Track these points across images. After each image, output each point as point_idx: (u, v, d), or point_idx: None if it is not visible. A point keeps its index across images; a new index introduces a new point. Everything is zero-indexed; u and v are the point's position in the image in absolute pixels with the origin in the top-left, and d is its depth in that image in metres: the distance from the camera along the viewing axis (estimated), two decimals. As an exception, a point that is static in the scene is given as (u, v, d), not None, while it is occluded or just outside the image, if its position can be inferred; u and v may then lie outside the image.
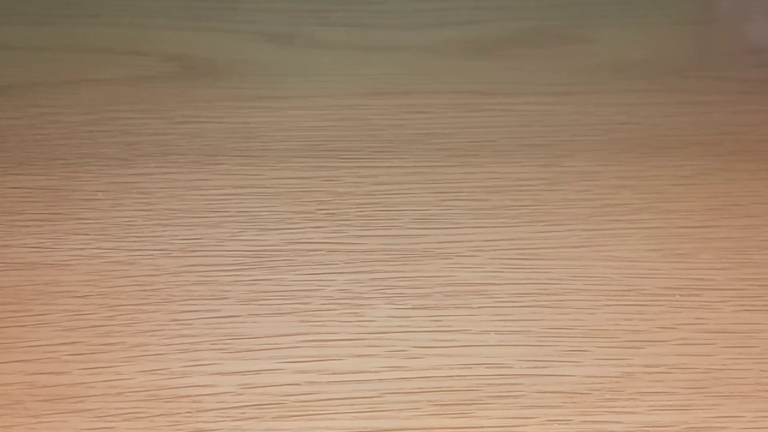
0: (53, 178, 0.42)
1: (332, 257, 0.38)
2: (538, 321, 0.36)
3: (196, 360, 0.34)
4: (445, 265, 0.38)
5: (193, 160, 0.44)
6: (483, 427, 0.32)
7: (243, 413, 0.32)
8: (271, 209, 0.41)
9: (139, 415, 0.32)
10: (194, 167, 0.43)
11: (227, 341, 0.34)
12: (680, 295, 0.37)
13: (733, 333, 0.35)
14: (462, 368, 0.34)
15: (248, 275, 0.37)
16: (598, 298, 0.37)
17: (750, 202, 0.40)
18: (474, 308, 0.36)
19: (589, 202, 0.40)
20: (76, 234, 0.39)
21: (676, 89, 0.46)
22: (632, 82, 0.47)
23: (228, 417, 0.32)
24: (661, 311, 0.36)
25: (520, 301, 0.36)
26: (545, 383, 0.33)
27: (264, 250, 0.38)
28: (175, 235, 0.39)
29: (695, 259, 0.39)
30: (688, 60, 0.49)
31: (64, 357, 0.34)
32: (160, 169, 0.43)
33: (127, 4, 0.56)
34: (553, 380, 0.33)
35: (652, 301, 0.37)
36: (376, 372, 0.33)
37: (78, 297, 0.36)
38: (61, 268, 0.37)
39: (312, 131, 0.46)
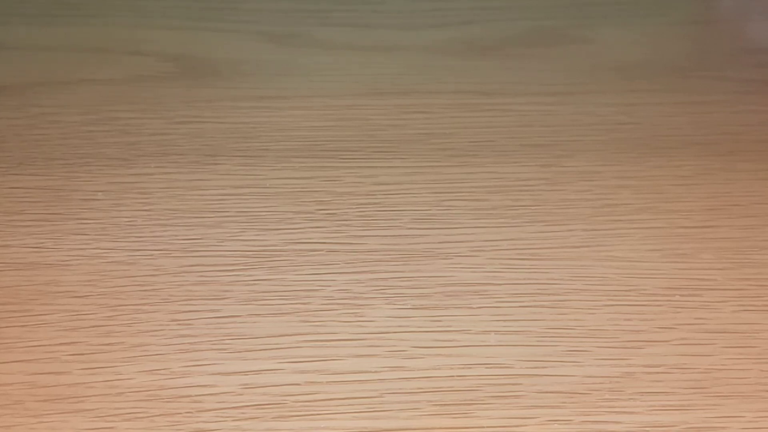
0: (53, 178, 0.42)
1: (332, 257, 0.38)
2: (538, 321, 0.36)
3: (196, 360, 0.34)
4: (445, 265, 0.38)
5: (193, 160, 0.44)
6: (483, 427, 0.32)
7: (243, 413, 0.32)
8: (271, 209, 0.41)
9: (139, 415, 0.32)
10: (194, 167, 0.43)
11: (227, 341, 0.34)
12: (680, 295, 0.37)
13: (733, 333, 0.35)
14: (462, 368, 0.34)
15: (248, 275, 0.37)
16: (598, 298, 0.37)
17: (750, 202, 0.40)
18: (474, 308, 0.36)
19: (589, 202, 0.40)
20: (75, 234, 0.39)
21: (676, 89, 0.46)
22: (632, 82, 0.47)
23: (228, 417, 0.32)
24: (661, 311, 0.36)
25: (520, 301, 0.36)
26: (545, 383, 0.33)
27: (264, 250, 0.38)
28: (175, 235, 0.39)
29: (695, 259, 0.39)
30: (688, 60, 0.49)
31: (64, 357, 0.34)
32: (160, 169, 0.43)
33: (127, 4, 0.56)
34: (553, 380, 0.33)
35: (652, 301, 0.37)
36: (376, 372, 0.33)
37: (78, 297, 0.36)
38: (61, 268, 0.37)
39: (312, 131, 0.46)
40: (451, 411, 0.32)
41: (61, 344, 0.34)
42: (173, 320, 0.35)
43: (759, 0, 0.53)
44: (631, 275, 0.38)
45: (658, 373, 0.34)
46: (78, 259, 0.38)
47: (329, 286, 0.37)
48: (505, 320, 0.36)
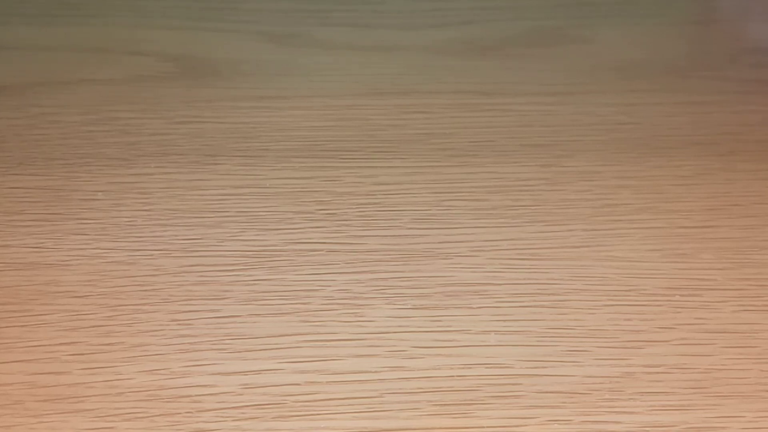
0: (53, 178, 0.42)
1: (332, 257, 0.38)
2: (538, 321, 0.36)
3: (196, 360, 0.34)
4: (445, 265, 0.38)
5: (193, 160, 0.44)
6: (483, 427, 0.32)
7: (243, 413, 0.32)
8: (271, 209, 0.41)
9: (139, 415, 0.32)
10: (194, 167, 0.43)
11: (227, 341, 0.34)
12: (680, 295, 0.37)
13: (733, 333, 0.35)
14: (462, 368, 0.34)
15: (248, 275, 0.37)
16: (598, 298, 0.37)
17: (750, 202, 0.40)
18: (474, 308, 0.36)
19: (589, 202, 0.40)
20: (76, 234, 0.39)
21: (676, 89, 0.46)
22: (632, 82, 0.47)
23: (228, 417, 0.32)
24: (661, 311, 0.36)
25: (520, 301, 0.36)
26: (545, 383, 0.33)
27: (264, 250, 0.38)
28: (175, 235, 0.39)
29: (695, 259, 0.39)
30: (688, 60, 0.49)
31: (65, 357, 0.34)
32: (160, 169, 0.43)
33: (127, 4, 0.56)
34: (553, 380, 0.33)
35: (652, 301, 0.37)
36: (376, 372, 0.33)
37: (78, 297, 0.36)
38: (61, 269, 0.37)
39: (312, 131, 0.46)
40: (451, 411, 0.32)
41: (61, 344, 0.34)
42: (173, 320, 0.35)
43: (759, 0, 0.53)
44: (631, 275, 0.38)
45: (658, 373, 0.34)
46: (78, 259, 0.38)
47: (329, 286, 0.37)
48: (505, 320, 0.36)
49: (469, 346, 0.34)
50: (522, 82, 0.47)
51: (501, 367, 0.34)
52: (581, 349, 0.35)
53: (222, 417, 0.32)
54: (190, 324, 0.35)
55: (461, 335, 0.35)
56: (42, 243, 0.39)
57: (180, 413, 0.32)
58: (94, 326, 0.35)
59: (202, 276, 0.37)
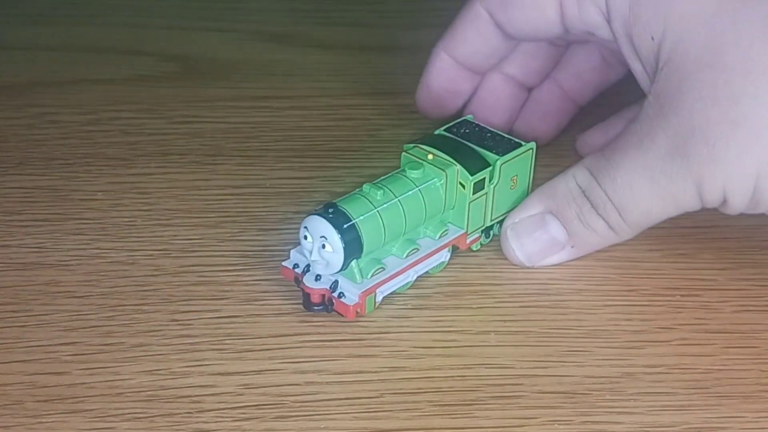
0: (53, 178, 0.42)
1: (332, 257, 0.38)
2: (539, 321, 0.36)
3: (196, 360, 0.34)
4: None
5: (193, 160, 0.44)
6: (483, 427, 0.32)
7: (243, 413, 0.32)
8: (271, 209, 0.41)
9: (139, 415, 0.32)
10: (194, 167, 0.43)
11: (227, 341, 0.34)
12: (681, 295, 0.37)
13: (733, 333, 0.35)
14: (462, 368, 0.34)
15: (248, 275, 0.37)
16: (598, 299, 0.37)
17: (750, 202, 0.40)
18: (474, 308, 0.36)
19: (589, 202, 0.40)
20: (75, 234, 0.39)
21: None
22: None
23: (228, 417, 0.32)
24: (662, 311, 0.36)
25: (520, 301, 0.36)
26: (545, 383, 0.33)
27: (264, 250, 0.38)
28: (175, 235, 0.39)
29: (696, 259, 0.39)
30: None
31: (64, 357, 0.34)
32: (160, 169, 0.43)
33: (127, 4, 0.56)
34: (553, 380, 0.33)
35: (652, 301, 0.37)
36: (376, 372, 0.33)
37: (78, 297, 0.36)
38: (61, 269, 0.37)
39: (312, 131, 0.46)
40: (451, 411, 0.32)
41: (61, 344, 0.34)
42: (173, 320, 0.35)
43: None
44: (632, 275, 0.38)
45: (658, 373, 0.34)
46: (78, 259, 0.38)
47: (329, 286, 0.37)
48: (505, 320, 0.36)
49: (469, 346, 0.34)
50: (522, 82, 0.47)
51: (501, 368, 0.34)
52: (582, 350, 0.34)
53: (222, 417, 0.32)
54: (190, 324, 0.35)
55: (461, 335, 0.35)
56: (42, 243, 0.39)
57: (180, 413, 0.32)
58: (94, 326, 0.35)
59: (202, 276, 0.37)
